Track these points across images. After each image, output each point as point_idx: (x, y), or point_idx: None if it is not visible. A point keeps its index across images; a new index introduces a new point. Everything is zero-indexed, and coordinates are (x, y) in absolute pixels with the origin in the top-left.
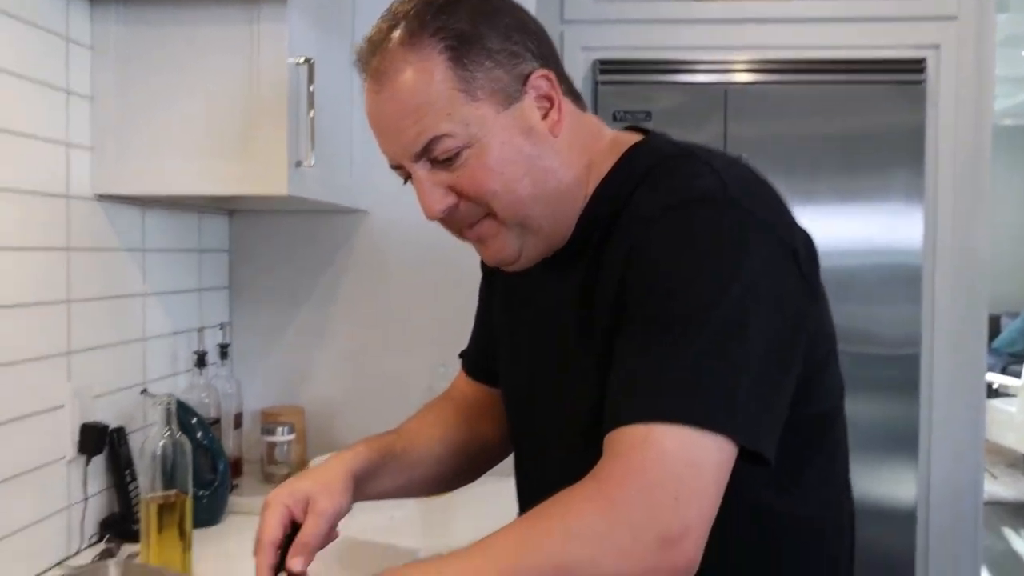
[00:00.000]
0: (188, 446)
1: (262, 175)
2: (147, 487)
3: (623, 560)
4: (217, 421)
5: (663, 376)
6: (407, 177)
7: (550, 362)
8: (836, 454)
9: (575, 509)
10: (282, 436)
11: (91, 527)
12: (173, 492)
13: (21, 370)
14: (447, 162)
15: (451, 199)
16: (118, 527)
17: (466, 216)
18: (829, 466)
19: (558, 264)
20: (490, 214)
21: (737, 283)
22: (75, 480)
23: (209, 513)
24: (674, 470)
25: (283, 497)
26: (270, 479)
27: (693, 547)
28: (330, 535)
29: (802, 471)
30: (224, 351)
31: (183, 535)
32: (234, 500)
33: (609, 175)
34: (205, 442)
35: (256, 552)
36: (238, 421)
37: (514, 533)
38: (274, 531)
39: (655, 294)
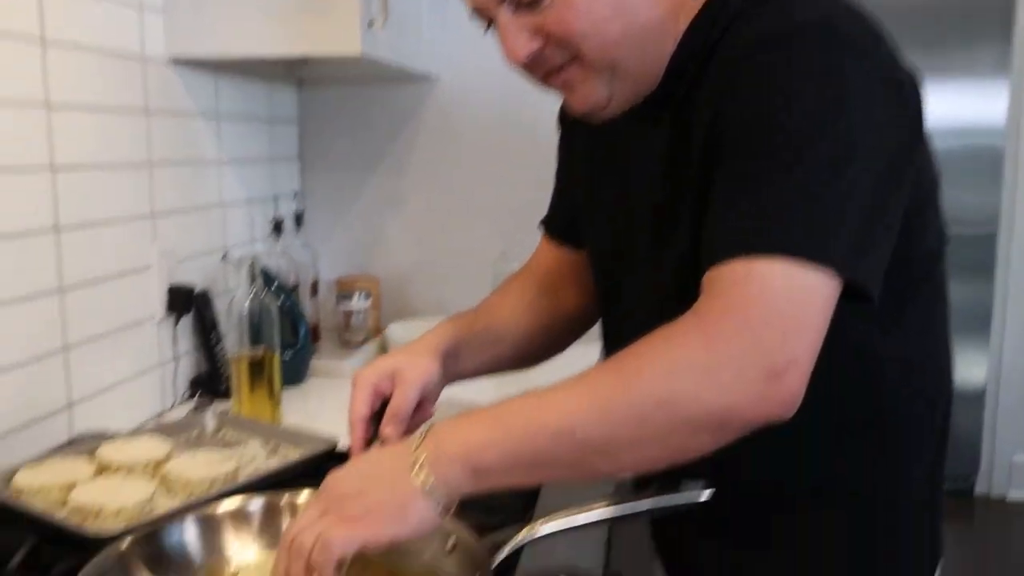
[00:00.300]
0: (273, 305)
1: (335, 35)
2: (235, 345)
3: (726, 394)
4: (295, 288)
5: (762, 210)
6: (489, 23)
7: (638, 215)
8: (937, 299)
9: (676, 343)
10: (359, 303)
11: (182, 385)
12: (261, 348)
13: (112, 230)
14: (532, 4)
15: (536, 43)
16: (207, 385)
17: (552, 61)
18: (930, 311)
19: (646, 112)
20: (577, 58)
21: (838, 115)
22: (165, 339)
23: (293, 374)
24: (777, 305)
25: (368, 376)
26: (347, 345)
27: (798, 381)
28: (424, 410)
29: (904, 312)
30: (299, 219)
31: (272, 391)
32: (314, 364)
33: (700, 13)
34: (287, 306)
35: (349, 431)
36: (314, 289)
37: (614, 367)
38: (362, 407)
39: (752, 129)
